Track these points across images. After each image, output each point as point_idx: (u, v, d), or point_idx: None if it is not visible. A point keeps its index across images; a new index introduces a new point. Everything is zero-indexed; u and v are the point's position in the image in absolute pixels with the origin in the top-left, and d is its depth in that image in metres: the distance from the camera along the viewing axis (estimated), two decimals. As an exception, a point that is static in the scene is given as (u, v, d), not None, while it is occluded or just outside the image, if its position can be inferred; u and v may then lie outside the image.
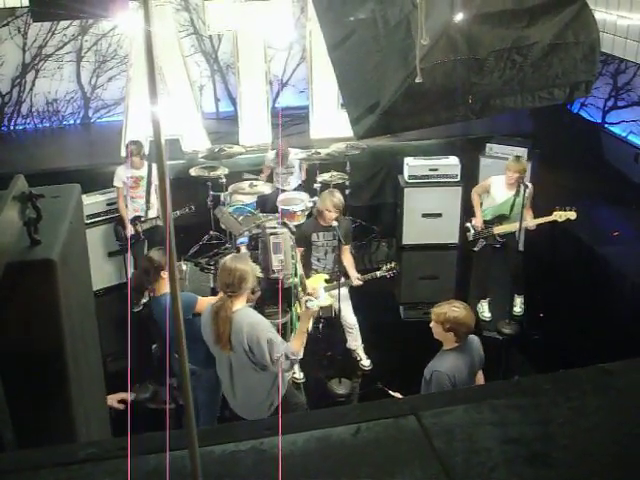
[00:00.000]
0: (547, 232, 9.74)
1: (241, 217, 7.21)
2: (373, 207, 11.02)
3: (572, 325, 7.97)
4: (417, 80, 3.89)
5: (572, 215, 8.30)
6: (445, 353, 5.15)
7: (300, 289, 6.53)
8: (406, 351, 7.60)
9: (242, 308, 5.22)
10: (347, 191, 9.65)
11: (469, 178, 9.85)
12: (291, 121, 11.63)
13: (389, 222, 10.67)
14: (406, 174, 10.12)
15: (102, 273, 8.90)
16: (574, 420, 2.16)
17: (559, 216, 8.31)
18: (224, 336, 5.14)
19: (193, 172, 9.51)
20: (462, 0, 3.96)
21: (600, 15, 8.82)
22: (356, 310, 7.70)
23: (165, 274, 5.74)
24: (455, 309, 5.04)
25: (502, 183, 8.40)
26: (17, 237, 3.01)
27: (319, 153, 9.68)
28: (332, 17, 4.70)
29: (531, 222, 8.41)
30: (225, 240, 9.69)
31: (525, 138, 10.22)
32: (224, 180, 9.33)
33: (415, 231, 10.08)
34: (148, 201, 8.42)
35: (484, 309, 8.90)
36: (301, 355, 5.31)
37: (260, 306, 6.13)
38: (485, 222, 8.57)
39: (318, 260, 7.57)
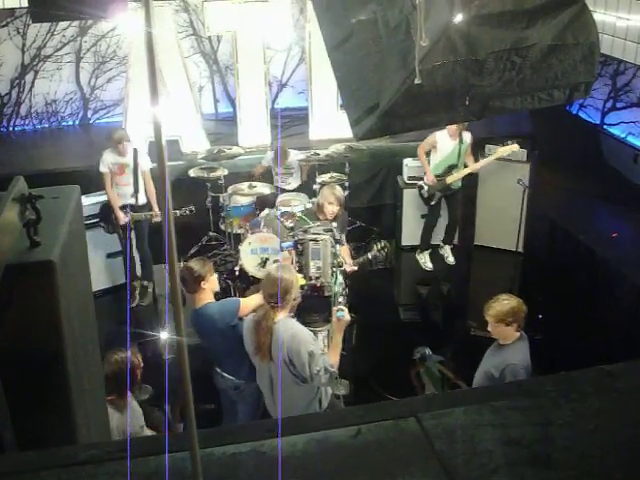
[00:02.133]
0: (546, 233, 9.76)
1: (289, 221, 7.18)
2: (372, 208, 11.02)
3: (572, 327, 7.97)
4: (416, 81, 3.88)
5: (515, 147, 9.06)
6: (510, 346, 5.23)
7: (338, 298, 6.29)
8: (405, 351, 7.59)
9: (284, 319, 5.14)
10: (346, 192, 9.63)
11: (468, 179, 9.84)
12: (290, 122, 11.62)
13: (388, 223, 10.68)
14: (405, 175, 10.12)
15: (101, 274, 8.89)
16: (575, 422, 2.16)
17: (503, 151, 9.08)
18: (264, 347, 5.08)
19: (192, 173, 9.52)
20: (461, 1, 3.96)
21: (599, 16, 8.83)
22: (355, 310, 7.68)
23: (205, 284, 5.67)
24: (506, 301, 5.16)
25: (445, 135, 9.03)
26: (17, 238, 3.01)
27: (318, 154, 9.68)
28: (332, 18, 4.70)
29: (476, 165, 9.24)
30: (224, 241, 9.69)
31: (524, 139, 10.20)
32: (223, 181, 9.32)
33: (414, 232, 10.06)
34: (137, 186, 8.36)
35: (426, 259, 9.65)
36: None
37: (300, 314, 5.98)
38: (437, 176, 9.22)
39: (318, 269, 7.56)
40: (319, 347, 5.19)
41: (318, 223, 6.95)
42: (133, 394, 5.10)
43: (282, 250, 6.47)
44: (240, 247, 8.78)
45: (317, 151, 9.82)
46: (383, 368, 7.67)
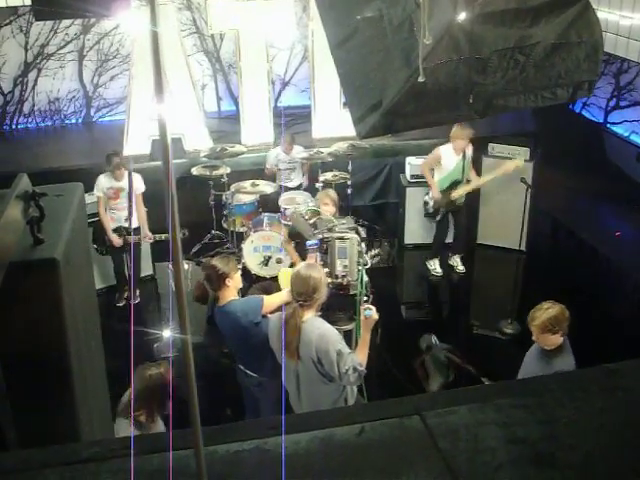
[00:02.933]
0: (549, 231, 9.75)
1: (314, 219, 7.19)
2: (375, 207, 11.03)
3: (575, 325, 7.95)
4: (420, 79, 3.88)
5: (520, 163, 9.03)
6: (557, 352, 5.28)
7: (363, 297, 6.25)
8: (408, 351, 7.60)
9: (312, 318, 5.12)
10: (349, 190, 9.65)
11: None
12: (293, 120, 11.62)
13: (391, 222, 10.67)
14: (408, 173, 10.10)
15: (103, 272, 8.90)
16: (579, 420, 2.16)
17: (507, 169, 9.05)
18: (292, 345, 5.04)
19: (195, 171, 9.51)
20: (465, -1, 3.95)
21: (603, 15, 8.82)
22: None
23: (230, 282, 5.67)
24: (550, 310, 5.20)
25: (450, 150, 9.05)
26: (20, 236, 3.01)
27: (321, 152, 9.68)
28: (335, 16, 4.69)
29: (481, 180, 9.30)
30: (227, 239, 9.69)
31: (527, 137, 10.19)
32: (226, 179, 9.32)
33: (417, 231, 10.06)
34: (131, 209, 8.38)
35: (436, 265, 9.62)
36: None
37: (324, 312, 5.97)
38: (442, 192, 9.18)
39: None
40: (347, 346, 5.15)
41: (343, 221, 6.96)
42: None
43: (308, 247, 6.47)
44: (242, 245, 8.79)
45: (320, 149, 9.81)
46: (384, 367, 7.67)
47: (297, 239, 7.45)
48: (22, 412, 2.93)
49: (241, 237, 9.18)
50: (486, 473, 1.97)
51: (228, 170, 9.42)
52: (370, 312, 5.13)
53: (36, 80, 11.98)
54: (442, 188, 9.19)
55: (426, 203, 9.42)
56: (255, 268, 8.76)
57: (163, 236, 8.52)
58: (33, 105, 12.14)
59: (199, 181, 9.56)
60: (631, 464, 2.04)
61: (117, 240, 8.48)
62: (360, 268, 6.26)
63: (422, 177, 9.95)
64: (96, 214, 8.79)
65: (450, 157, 9.11)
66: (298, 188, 9.82)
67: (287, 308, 5.16)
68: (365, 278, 6.30)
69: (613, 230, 9.11)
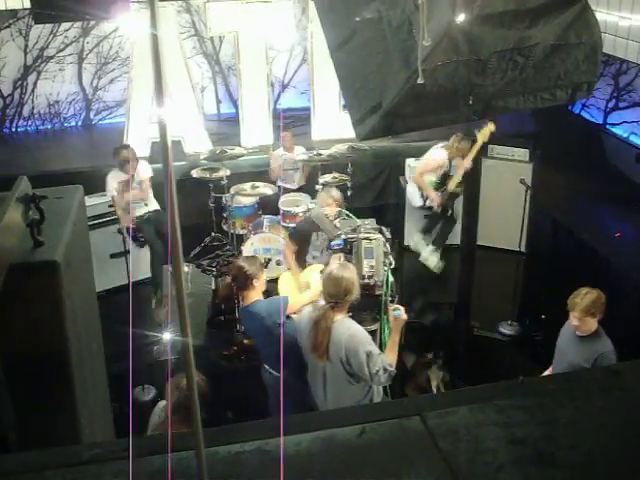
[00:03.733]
0: (549, 232, 9.75)
1: (337, 219, 7.19)
2: (375, 208, 11.01)
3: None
4: (419, 81, 3.89)
5: (491, 127, 8.84)
6: (594, 336, 5.38)
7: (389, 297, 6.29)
8: (409, 351, 7.60)
9: (342, 318, 5.11)
10: (349, 192, 9.63)
11: (471, 179, 9.83)
12: (292, 123, 11.62)
13: (391, 223, 10.65)
14: (408, 175, 10.10)
15: (105, 275, 8.89)
16: (579, 420, 2.16)
17: (482, 136, 8.94)
18: (322, 346, 5.04)
19: (195, 174, 9.49)
20: (464, 1, 3.96)
21: (601, 16, 8.82)
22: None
23: (256, 282, 5.71)
24: (589, 295, 5.28)
25: (446, 156, 9.21)
26: (21, 238, 3.02)
27: (321, 154, 9.67)
28: (334, 18, 4.70)
29: (466, 162, 9.18)
30: (227, 242, 9.68)
31: (527, 139, 10.20)
32: (226, 182, 9.32)
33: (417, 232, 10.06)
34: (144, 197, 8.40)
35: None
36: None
37: (350, 312, 5.98)
38: (437, 189, 9.27)
39: (314, 258, 7.54)
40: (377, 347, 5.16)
41: (366, 221, 6.98)
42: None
43: (332, 248, 6.48)
44: (242, 248, 8.78)
45: (320, 151, 9.81)
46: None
47: (303, 240, 7.45)
48: (23, 413, 2.93)
49: (241, 239, 9.17)
50: (487, 473, 1.98)
51: (228, 172, 9.40)
52: (399, 312, 5.16)
53: (36, 83, 11.98)
54: (436, 187, 9.27)
55: (431, 208, 9.44)
56: (255, 270, 8.76)
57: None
58: (33, 108, 12.14)
59: (199, 183, 9.55)
60: (631, 464, 2.04)
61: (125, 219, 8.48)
62: (386, 268, 6.28)
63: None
64: (97, 217, 8.80)
65: (446, 161, 9.23)
66: (299, 190, 9.81)
67: (318, 309, 5.15)
68: (390, 278, 6.34)
69: (613, 231, 9.11)
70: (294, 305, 5.73)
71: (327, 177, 9.57)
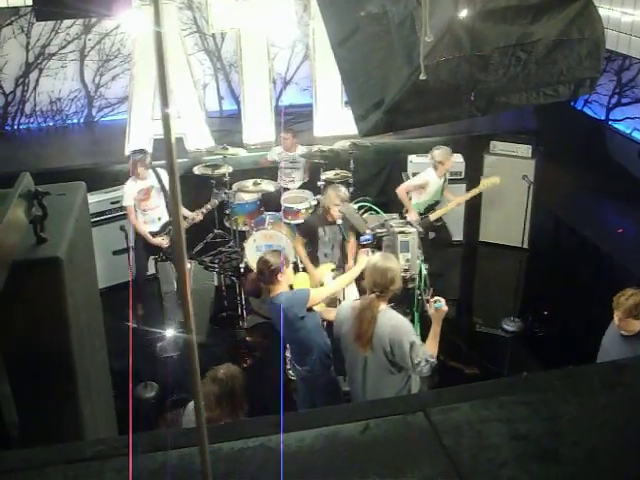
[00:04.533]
0: (551, 229, 9.74)
1: (365, 215, 7.19)
2: (377, 205, 11.00)
3: (577, 322, 7.97)
4: (421, 77, 3.88)
5: (496, 180, 8.67)
6: (638, 336, 5.38)
7: (424, 290, 6.33)
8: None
9: (386, 309, 5.15)
10: (351, 189, 9.61)
11: (473, 176, 9.83)
12: (295, 119, 11.62)
13: (393, 220, 10.66)
14: (410, 171, 10.09)
15: (107, 271, 8.89)
16: (583, 416, 2.16)
17: (483, 184, 8.77)
18: (366, 335, 5.06)
19: (197, 170, 9.49)
20: (466, -3, 3.96)
21: (604, 12, 8.79)
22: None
23: (281, 276, 5.74)
24: (634, 296, 5.30)
25: (434, 176, 8.74)
26: (23, 235, 3.02)
27: (323, 151, 9.66)
28: (336, 14, 4.70)
29: (461, 199, 8.96)
30: (229, 239, 9.69)
31: (529, 135, 10.19)
32: (228, 178, 9.32)
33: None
34: (168, 208, 8.22)
35: None
36: None
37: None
38: (420, 214, 8.77)
39: (325, 255, 7.56)
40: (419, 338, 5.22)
41: (393, 216, 6.97)
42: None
43: (361, 242, 6.50)
44: (245, 244, 8.78)
45: (322, 147, 9.80)
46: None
47: (311, 236, 7.45)
48: (26, 410, 2.93)
49: (243, 236, 9.17)
50: (490, 469, 1.97)
51: (230, 169, 9.41)
52: (440, 304, 5.18)
53: (37, 80, 11.98)
54: (420, 211, 8.82)
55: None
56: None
57: (204, 209, 8.49)
58: (35, 105, 12.13)
59: (201, 180, 9.55)
60: (634, 460, 2.04)
61: (165, 242, 8.31)
62: (419, 262, 6.31)
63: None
64: (100, 214, 8.80)
65: (435, 182, 8.76)
66: (300, 187, 9.80)
67: (363, 298, 5.18)
68: (424, 272, 6.38)
69: (615, 227, 9.10)
70: (315, 298, 5.76)
71: (329, 173, 9.56)
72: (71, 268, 3.18)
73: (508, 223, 9.63)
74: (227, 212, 9.49)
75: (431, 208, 8.87)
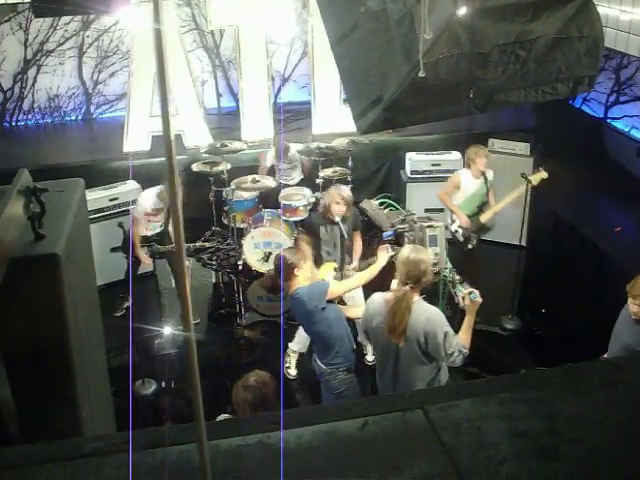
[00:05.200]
0: (549, 227, 9.74)
1: (386, 211, 7.20)
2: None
3: (575, 320, 7.97)
4: (420, 74, 3.88)
5: (544, 174, 8.40)
6: None
7: (453, 282, 6.33)
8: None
9: (419, 300, 5.23)
10: (349, 186, 9.61)
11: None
12: (293, 116, 11.61)
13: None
14: (408, 169, 10.10)
15: (105, 268, 8.88)
16: (582, 414, 2.16)
17: (533, 180, 8.41)
18: (400, 326, 5.12)
19: (195, 168, 9.49)
20: (465, -6, 3.96)
21: (603, 10, 8.78)
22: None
23: (298, 272, 5.77)
24: None
25: (469, 175, 8.45)
26: (21, 231, 3.01)
27: (321, 148, 9.66)
28: (335, 11, 4.70)
29: (512, 196, 8.52)
30: (227, 236, 9.69)
31: (528, 133, 10.19)
32: (226, 175, 9.32)
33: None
34: (167, 221, 8.25)
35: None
36: None
37: None
38: (468, 216, 8.47)
39: (328, 253, 7.55)
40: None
41: (412, 212, 7.01)
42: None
43: (383, 238, 6.52)
44: (243, 241, 8.78)
45: (320, 145, 9.80)
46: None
47: (313, 235, 7.44)
48: (24, 407, 2.93)
49: (241, 233, 9.17)
50: (489, 467, 1.97)
51: (228, 166, 9.41)
52: (475, 295, 5.31)
53: (36, 77, 11.97)
54: (467, 213, 8.50)
55: (455, 232, 8.50)
56: (255, 264, 8.77)
57: (198, 244, 8.54)
58: (33, 102, 12.13)
59: (199, 177, 9.55)
60: (634, 458, 2.04)
61: (147, 260, 8.36)
62: (446, 256, 6.44)
63: (422, 173, 9.97)
64: (98, 210, 8.78)
65: (469, 181, 8.48)
66: (298, 185, 9.79)
67: (396, 290, 5.22)
68: (449, 265, 6.50)
69: (613, 225, 9.11)
70: (334, 291, 5.80)
71: (327, 171, 9.56)
72: (69, 265, 3.17)
73: (506, 221, 9.62)
74: (225, 209, 9.49)
75: (479, 211, 8.53)
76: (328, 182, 9.23)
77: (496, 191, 8.64)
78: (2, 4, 10.61)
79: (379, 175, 11.08)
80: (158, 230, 8.37)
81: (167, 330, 8.05)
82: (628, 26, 8.93)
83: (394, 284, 5.52)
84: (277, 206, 9.09)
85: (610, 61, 10.54)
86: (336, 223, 7.23)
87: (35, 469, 2.12)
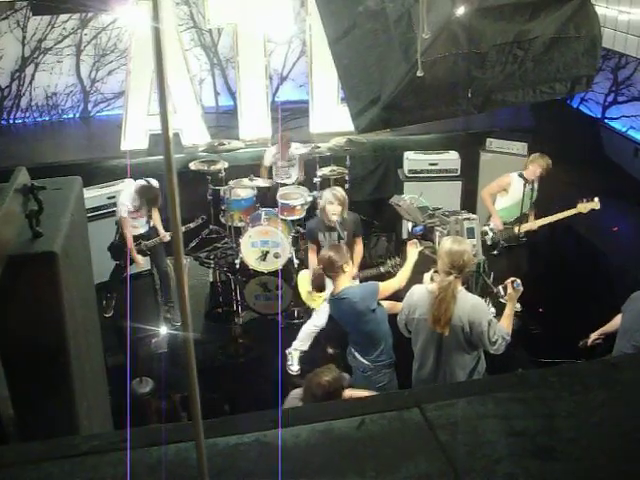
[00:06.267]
0: (546, 227, 9.74)
1: (416, 206, 7.23)
2: (373, 201, 11.00)
3: (572, 320, 7.97)
4: (418, 74, 3.89)
5: (596, 205, 7.98)
6: None
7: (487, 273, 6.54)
8: (408, 346, 7.60)
9: (463, 289, 5.34)
10: (347, 185, 9.62)
11: (469, 173, 9.83)
12: (291, 115, 11.61)
13: (389, 216, 10.65)
14: (406, 168, 10.10)
15: (102, 267, 8.87)
16: (579, 413, 2.16)
17: (583, 208, 8.02)
18: (446, 316, 5.21)
19: (193, 166, 9.49)
20: (464, -7, 3.96)
21: (601, 10, 8.78)
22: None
23: (347, 267, 5.85)
24: None
25: (519, 179, 8.09)
26: (19, 229, 3.01)
27: (319, 147, 9.66)
28: (333, 10, 4.70)
29: (554, 217, 8.13)
30: (225, 235, 9.69)
31: (525, 133, 10.20)
32: (224, 174, 9.32)
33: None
34: (150, 218, 8.22)
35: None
36: None
37: None
38: (505, 223, 8.19)
39: None
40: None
41: (439, 206, 7.06)
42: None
43: (414, 233, 6.57)
44: (241, 240, 8.79)
45: (318, 144, 9.80)
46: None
47: (314, 241, 7.43)
48: (21, 406, 2.93)
49: (239, 232, 9.18)
50: (486, 465, 1.98)
51: (226, 165, 9.41)
52: (519, 284, 5.42)
53: (33, 75, 11.97)
54: (505, 220, 8.21)
55: (485, 233, 8.04)
56: (253, 263, 8.77)
57: (183, 228, 8.47)
58: (30, 100, 12.12)
59: (197, 176, 9.55)
60: (630, 457, 2.04)
61: (141, 262, 8.38)
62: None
63: (420, 172, 9.95)
64: (95, 209, 8.76)
65: (519, 185, 8.09)
66: (295, 184, 9.78)
67: (443, 281, 5.28)
68: (483, 257, 6.66)
69: (611, 225, 9.11)
70: (384, 291, 5.89)
71: (325, 170, 9.57)
72: (67, 263, 3.17)
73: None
74: (223, 208, 9.49)
75: (518, 221, 8.18)
76: (326, 181, 9.23)
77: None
78: (0, 1, 10.60)
79: (376, 174, 11.08)
80: (147, 228, 8.36)
81: (164, 329, 8.05)
82: (626, 26, 8.94)
83: (426, 277, 5.72)
84: (274, 205, 9.09)
85: (608, 61, 10.55)
86: (334, 229, 7.20)
87: (32, 467, 2.12)
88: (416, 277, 5.96)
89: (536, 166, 8.01)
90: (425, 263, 5.65)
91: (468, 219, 6.51)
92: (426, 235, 6.41)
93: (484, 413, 2.17)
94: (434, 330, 5.30)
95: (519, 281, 5.42)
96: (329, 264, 5.81)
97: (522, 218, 8.20)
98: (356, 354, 6.00)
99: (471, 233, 6.41)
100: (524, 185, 8.03)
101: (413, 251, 6.23)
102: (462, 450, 2.03)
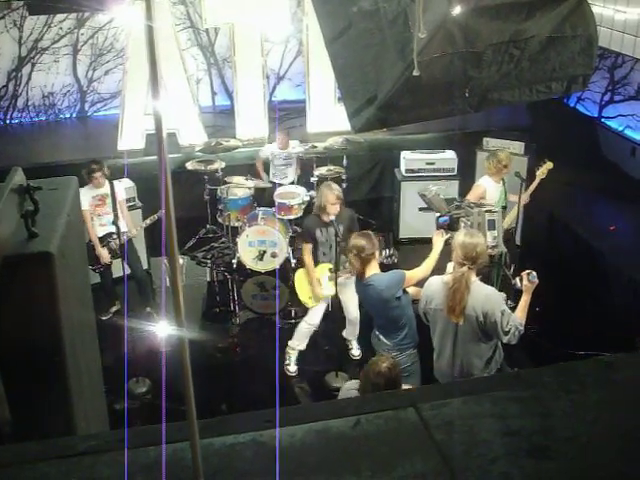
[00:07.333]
0: (544, 226, 9.75)
1: (443, 197, 7.28)
2: (370, 201, 11.01)
3: (569, 319, 7.98)
4: (414, 73, 3.88)
5: (549, 165, 8.39)
6: None
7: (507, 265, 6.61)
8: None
9: (477, 280, 5.46)
10: (344, 185, 9.61)
11: (466, 172, 9.84)
12: (288, 115, 11.61)
13: (386, 216, 10.67)
14: (403, 168, 10.10)
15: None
16: (575, 413, 2.16)
17: (541, 173, 8.41)
18: (460, 305, 5.36)
19: (190, 166, 9.49)
20: (460, -7, 3.96)
21: (597, 9, 8.80)
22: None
23: (377, 254, 6.07)
24: None
25: (491, 182, 8.32)
26: (15, 230, 3.01)
27: (316, 147, 9.66)
28: (329, 10, 4.69)
29: (525, 195, 8.40)
30: (222, 234, 9.69)
31: (522, 132, 10.20)
32: (221, 174, 9.31)
33: (412, 225, 10.05)
34: (116, 217, 8.15)
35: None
36: None
37: None
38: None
39: (324, 254, 7.55)
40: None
41: (457, 198, 7.14)
42: None
43: (440, 223, 6.63)
44: (238, 240, 8.78)
45: (315, 144, 9.80)
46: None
47: (310, 238, 7.43)
48: (17, 406, 2.92)
49: (236, 231, 9.17)
50: (481, 465, 1.98)
51: (223, 165, 9.41)
52: (534, 276, 5.57)
53: (30, 75, 11.95)
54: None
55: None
56: (250, 262, 8.77)
57: (148, 220, 8.46)
58: (27, 100, 12.11)
59: (194, 176, 9.55)
60: (626, 457, 2.04)
61: (106, 256, 8.32)
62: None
63: (417, 171, 9.96)
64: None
65: (493, 188, 8.35)
66: (292, 183, 9.78)
67: (456, 272, 5.45)
68: (504, 249, 6.78)
69: (608, 224, 9.12)
70: (410, 280, 6.06)
71: (322, 169, 9.57)
72: (63, 263, 3.17)
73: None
74: (220, 208, 9.49)
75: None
76: (323, 181, 9.23)
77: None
78: (-3, 2, 10.60)
79: (373, 173, 11.09)
80: (112, 229, 8.28)
81: (160, 329, 8.04)
82: (622, 26, 8.94)
83: (449, 267, 5.83)
84: (271, 205, 9.09)
85: (604, 60, 10.56)
86: (330, 224, 7.21)
87: (28, 468, 2.12)
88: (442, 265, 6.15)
89: (503, 164, 8.24)
90: (450, 253, 5.74)
91: (490, 211, 6.57)
92: (452, 225, 6.49)
93: (480, 412, 2.17)
94: (450, 320, 5.45)
95: (534, 273, 5.56)
96: (360, 250, 5.96)
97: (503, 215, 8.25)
98: (380, 336, 6.17)
99: (492, 225, 6.50)
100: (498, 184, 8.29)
101: (439, 241, 6.35)
102: (458, 449, 2.03)
